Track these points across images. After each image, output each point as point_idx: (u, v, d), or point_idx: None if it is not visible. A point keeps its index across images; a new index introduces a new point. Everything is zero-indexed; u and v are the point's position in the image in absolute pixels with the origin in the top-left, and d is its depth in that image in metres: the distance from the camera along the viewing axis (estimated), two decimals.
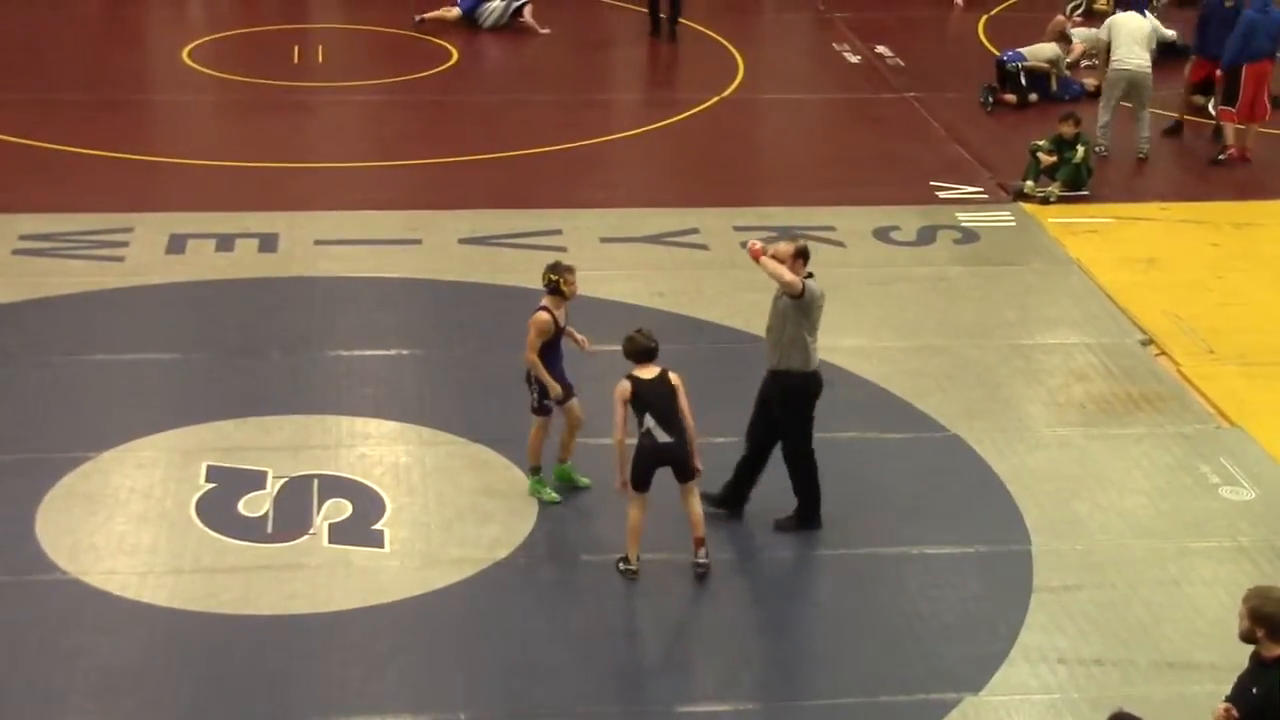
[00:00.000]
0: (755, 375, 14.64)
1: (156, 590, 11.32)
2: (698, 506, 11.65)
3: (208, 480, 12.61)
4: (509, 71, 24.09)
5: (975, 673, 10.75)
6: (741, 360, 14.90)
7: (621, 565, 11.61)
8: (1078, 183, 18.97)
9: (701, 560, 11.64)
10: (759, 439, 12.32)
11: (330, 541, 11.95)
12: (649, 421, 11.39)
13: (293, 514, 12.22)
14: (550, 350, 12.26)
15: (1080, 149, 18.91)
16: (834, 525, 12.37)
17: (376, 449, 13.19)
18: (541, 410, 12.36)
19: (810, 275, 12.02)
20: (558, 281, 12.18)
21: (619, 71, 24.81)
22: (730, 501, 12.38)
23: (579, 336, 12.50)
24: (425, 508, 12.39)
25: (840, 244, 17.53)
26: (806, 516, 12.31)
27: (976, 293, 16.50)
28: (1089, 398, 14.47)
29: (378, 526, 12.15)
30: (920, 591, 11.64)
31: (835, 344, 15.17)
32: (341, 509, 12.33)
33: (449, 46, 24.31)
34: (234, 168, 19.26)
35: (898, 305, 16.16)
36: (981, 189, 19.31)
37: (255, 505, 12.33)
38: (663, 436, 11.40)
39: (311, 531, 12.04)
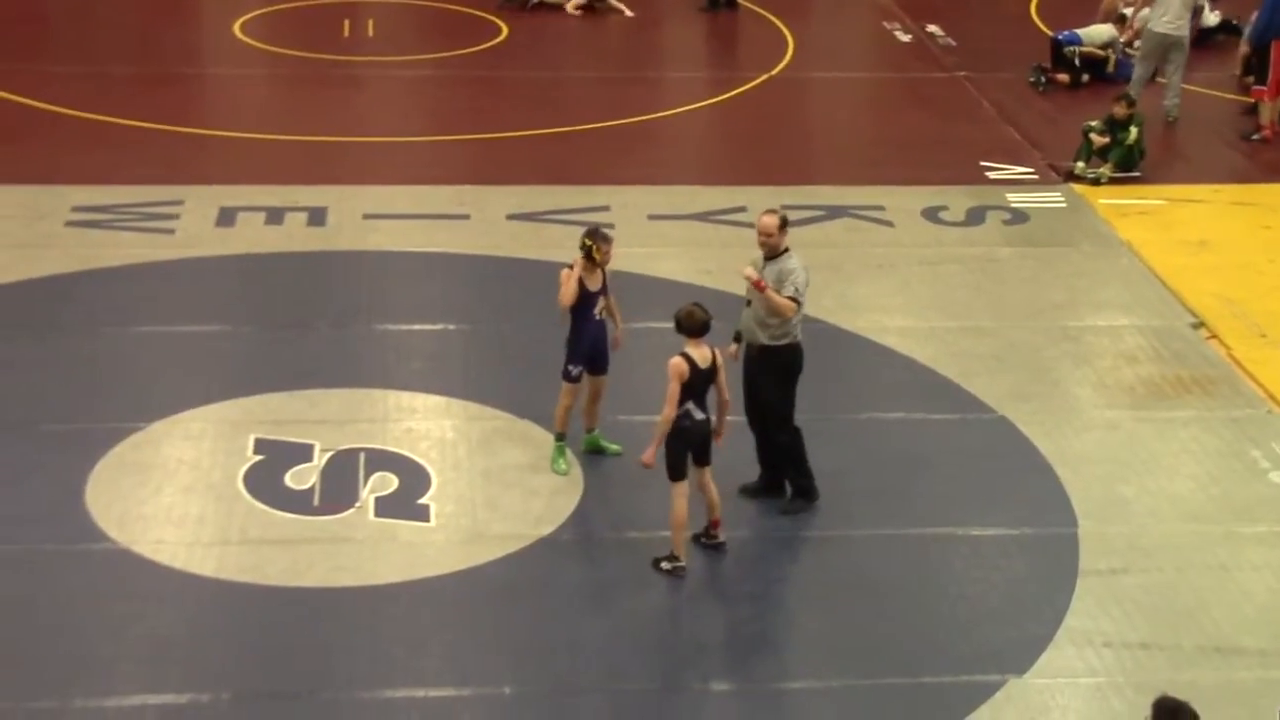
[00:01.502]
0: (804, 354, 14.66)
1: (204, 561, 11.40)
2: (714, 489, 11.58)
3: (255, 452, 12.67)
4: (558, 47, 24.06)
5: (1020, 655, 10.72)
6: None
7: (666, 564, 11.40)
8: (1130, 164, 18.84)
9: (720, 540, 11.61)
10: (760, 420, 12.23)
11: (376, 515, 11.99)
12: (689, 404, 11.31)
13: (339, 487, 12.27)
14: (581, 317, 12.24)
15: (1133, 130, 18.77)
16: (880, 505, 12.36)
17: (423, 423, 13.23)
18: (567, 377, 12.37)
19: (788, 250, 11.97)
20: (591, 247, 12.16)
21: (668, 48, 24.76)
22: (772, 488, 12.34)
23: (618, 326, 12.46)
24: (471, 483, 12.42)
25: (889, 224, 17.47)
26: (802, 492, 12.20)
27: (1026, 274, 16.42)
28: (1138, 380, 14.39)
29: (423, 501, 12.20)
30: (965, 573, 11.61)
31: (883, 324, 15.17)
32: (388, 483, 12.38)
33: (499, 22, 24.30)
34: (284, 141, 19.32)
35: (946, 286, 16.10)
36: (1032, 170, 19.21)
37: (302, 478, 12.39)
38: (698, 415, 11.34)
39: (358, 505, 12.09)
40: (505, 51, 23.27)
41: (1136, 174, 18.86)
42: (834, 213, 17.67)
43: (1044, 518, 12.27)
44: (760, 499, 12.27)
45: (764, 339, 11.98)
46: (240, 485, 12.25)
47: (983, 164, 19.27)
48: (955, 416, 13.70)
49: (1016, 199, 18.28)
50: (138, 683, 10.19)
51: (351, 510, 12.02)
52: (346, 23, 24.04)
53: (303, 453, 12.67)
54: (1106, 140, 18.81)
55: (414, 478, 12.45)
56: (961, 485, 12.66)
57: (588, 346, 12.32)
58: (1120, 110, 18.86)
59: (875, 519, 12.20)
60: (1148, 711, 8.14)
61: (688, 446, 11.33)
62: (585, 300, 12.21)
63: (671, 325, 11.44)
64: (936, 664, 10.66)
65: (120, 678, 10.24)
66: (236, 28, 23.60)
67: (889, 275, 16.27)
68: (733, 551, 11.75)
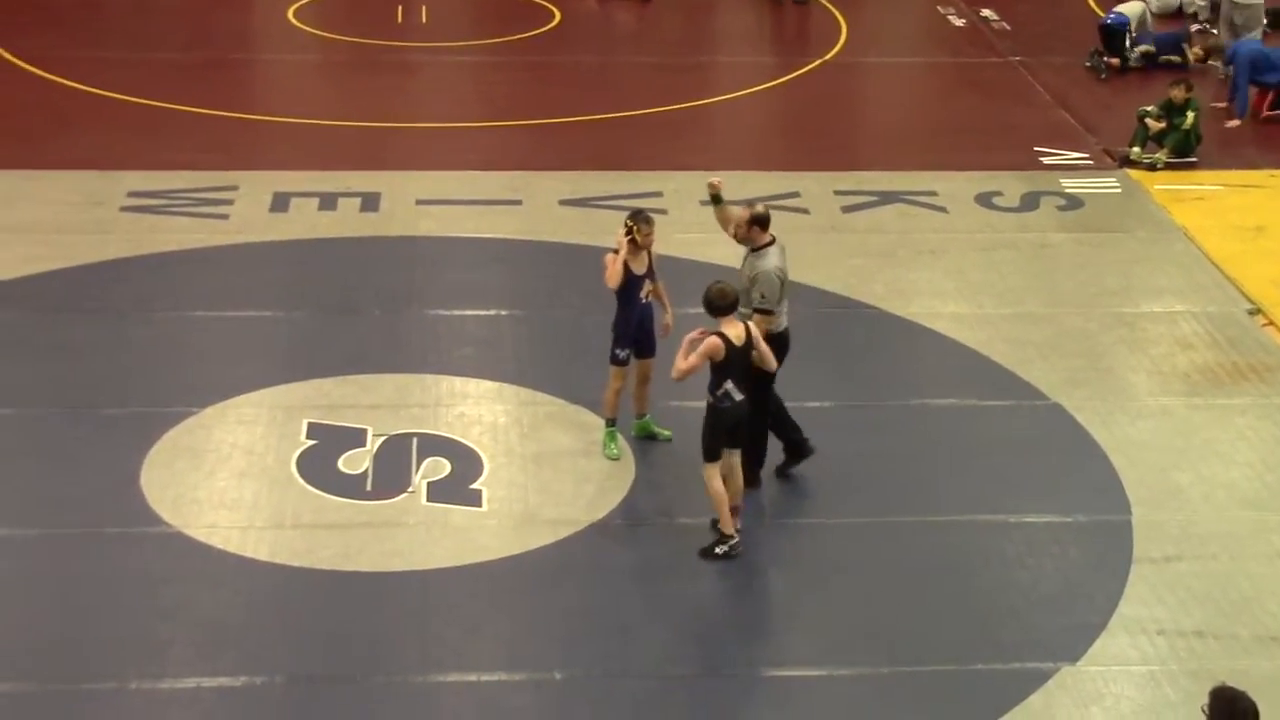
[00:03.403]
0: (854, 339, 14.66)
1: (258, 545, 11.46)
2: (741, 475, 11.55)
3: (308, 437, 12.74)
4: (611, 33, 24.05)
5: (1073, 642, 10.67)
6: (840, 324, 14.89)
7: (720, 548, 11.36)
8: (1186, 149, 18.70)
9: (738, 527, 11.56)
10: (754, 401, 12.15)
11: (428, 500, 12.03)
12: (728, 384, 11.29)
13: (392, 472, 12.32)
14: (626, 300, 12.27)
15: (1190, 115, 18.63)
16: (931, 492, 12.32)
17: (475, 408, 13.26)
18: (614, 360, 12.39)
19: (773, 240, 11.96)
20: (632, 229, 12.18)
21: (721, 34, 24.69)
22: (799, 453, 12.27)
23: (668, 311, 12.46)
24: (523, 468, 12.44)
25: (942, 209, 17.40)
26: (750, 460, 12.09)
27: (1080, 260, 16.32)
28: (1193, 367, 14.29)
29: (475, 486, 12.23)
30: (1018, 560, 11.56)
31: (936, 310, 15.12)
32: (440, 468, 12.41)
33: (551, 8, 24.30)
34: (337, 127, 19.39)
35: (999, 272, 16.01)
36: (1087, 155, 19.09)
37: (355, 463, 12.44)
38: (738, 395, 11.29)
39: (410, 490, 12.13)
40: (558, 37, 23.27)
41: (1193, 159, 18.71)
42: (886, 198, 17.61)
43: (1097, 505, 12.20)
44: (795, 471, 12.22)
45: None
46: (293, 470, 12.31)
47: (1037, 149, 19.16)
48: (1008, 403, 13.64)
49: (1071, 184, 18.17)
50: (192, 665, 10.26)
51: (404, 495, 12.06)
52: (400, 9, 24.08)
53: (355, 437, 12.73)
54: (1162, 125, 18.68)
55: (466, 463, 12.48)
56: (1014, 472, 12.60)
57: (634, 329, 12.34)
58: (1178, 94, 18.72)
59: (926, 506, 12.16)
60: (1204, 700, 8.08)
61: (726, 427, 11.33)
62: (631, 283, 12.24)
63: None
64: (988, 651, 10.62)
65: (174, 660, 10.31)
66: (290, 13, 23.68)
67: (941, 261, 16.20)
68: (782, 537, 11.74)
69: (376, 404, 13.23)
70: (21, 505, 11.81)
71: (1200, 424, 13.37)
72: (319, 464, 12.37)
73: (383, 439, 12.72)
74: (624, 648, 10.59)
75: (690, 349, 11.17)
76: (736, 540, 11.41)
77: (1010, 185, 18.03)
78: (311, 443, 12.66)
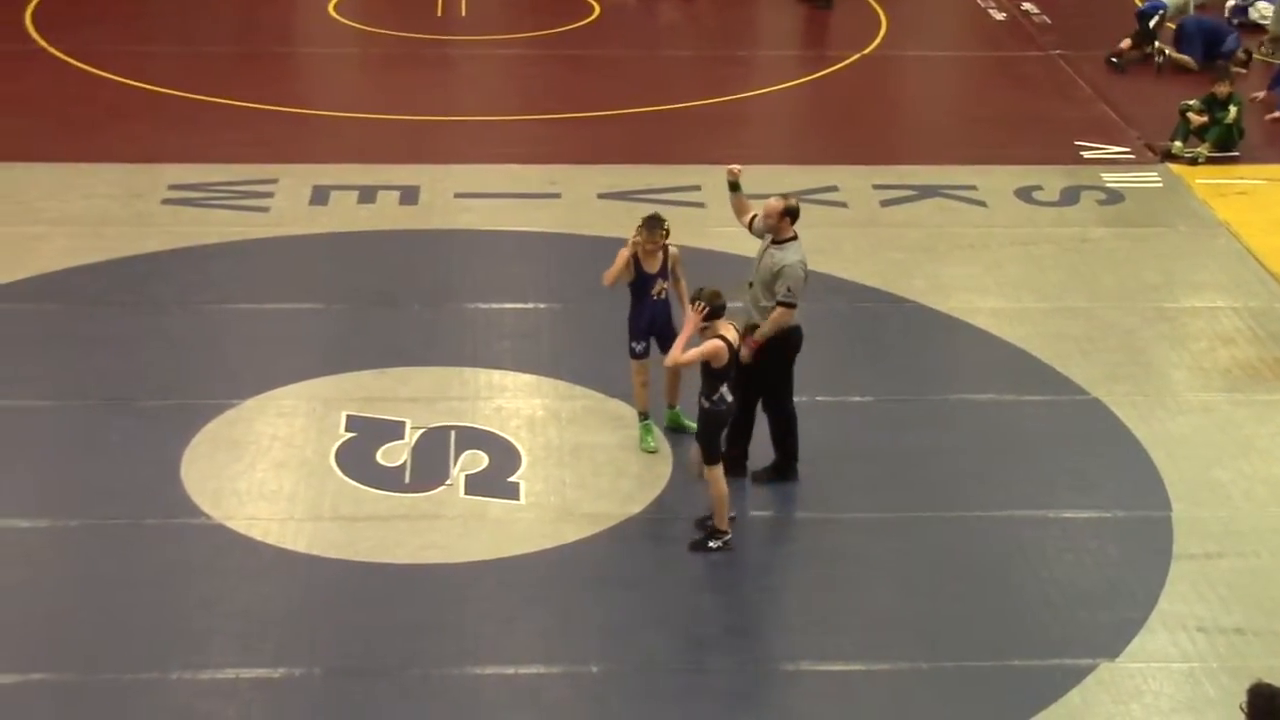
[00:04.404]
0: (894, 334, 14.63)
1: (296, 537, 11.51)
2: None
3: (347, 429, 12.78)
4: (650, 26, 24.03)
5: (1112, 639, 10.64)
6: (880, 320, 14.86)
7: (714, 543, 11.40)
8: (1228, 144, 18.59)
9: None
10: (744, 397, 12.10)
11: (466, 493, 12.06)
12: (723, 389, 11.29)
13: (430, 464, 12.35)
14: (637, 297, 12.45)
15: (1232, 109, 18.52)
16: (970, 487, 12.29)
17: (513, 401, 13.28)
18: (631, 354, 12.52)
19: (795, 236, 11.93)
20: (640, 233, 12.37)
21: (761, 28, 24.65)
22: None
23: (685, 310, 12.46)
24: (560, 461, 12.46)
25: (982, 203, 17.34)
26: (783, 468, 12.19)
27: (1120, 255, 16.25)
28: (1235, 363, 14.21)
29: (513, 479, 12.25)
30: (1058, 555, 11.52)
31: (975, 305, 15.07)
32: (478, 460, 12.44)
33: (591, 1, 24.30)
34: (377, 120, 19.43)
35: (1039, 267, 15.96)
36: (1128, 149, 18.99)
37: (393, 455, 12.48)
38: (730, 397, 11.32)
39: (448, 482, 12.16)
40: (597, 30, 23.26)
41: (1235, 154, 18.61)
42: (926, 193, 17.56)
43: (1137, 501, 12.15)
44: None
45: (761, 321, 11.93)
46: (332, 462, 12.36)
47: (1078, 143, 19.07)
48: (1047, 398, 13.59)
49: (1112, 179, 18.09)
50: (231, 656, 10.32)
51: (442, 488, 12.09)
52: (440, 2, 24.12)
53: (394, 430, 12.76)
54: (1204, 119, 18.57)
55: (504, 456, 12.51)
56: (1053, 467, 12.56)
57: (646, 324, 12.47)
58: (1221, 89, 18.61)
59: (966, 501, 12.13)
60: (1243, 698, 8.05)
61: (721, 429, 11.37)
62: (642, 281, 12.42)
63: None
64: (1027, 647, 10.59)
65: (214, 651, 10.36)
66: (330, 7, 23.74)
67: (981, 256, 16.15)
68: (821, 532, 11.73)
69: (415, 397, 13.27)
70: (63, 497, 11.89)
71: (1241, 420, 13.30)
72: (358, 456, 12.42)
73: (421, 432, 12.75)
74: (661, 641, 10.59)
75: (692, 332, 11.18)
76: (730, 539, 11.43)
77: (1051, 180, 17.96)
78: (350, 435, 12.70)
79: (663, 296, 12.46)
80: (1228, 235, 16.69)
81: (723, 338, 11.23)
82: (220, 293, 15.01)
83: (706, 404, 11.29)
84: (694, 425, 12.62)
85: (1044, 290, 15.45)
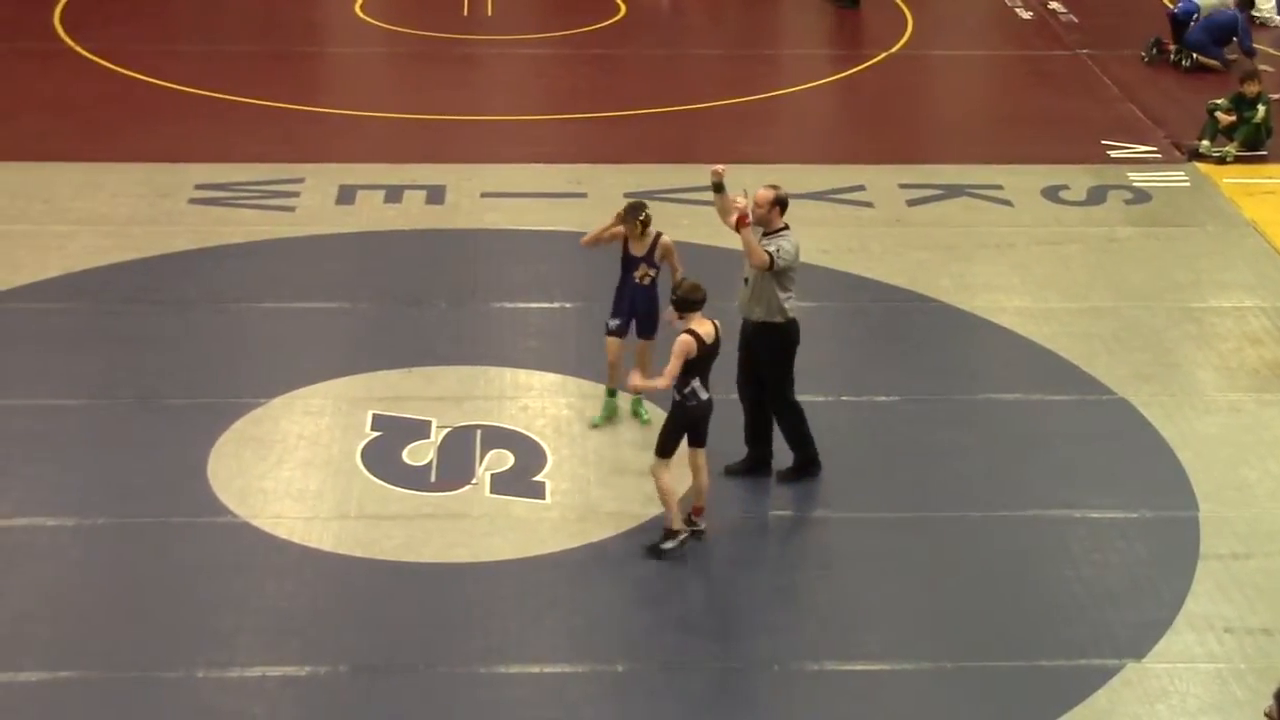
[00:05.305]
0: (919, 333, 14.60)
1: (322, 535, 11.54)
2: (705, 474, 11.45)
3: (373, 428, 12.80)
4: (676, 25, 24.04)
5: (1138, 639, 10.60)
6: (906, 319, 14.83)
7: (668, 544, 11.26)
8: (1256, 143, 18.52)
9: (700, 527, 11.46)
10: (752, 395, 12.11)
11: (491, 492, 12.08)
12: (695, 383, 11.22)
13: (455, 464, 12.37)
14: (622, 273, 12.69)
15: (1261, 108, 18.46)
16: (996, 486, 12.26)
17: (539, 401, 13.30)
18: (606, 329, 12.74)
19: (786, 227, 11.88)
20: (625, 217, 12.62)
21: (787, 27, 24.64)
22: (757, 467, 12.17)
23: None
24: (585, 461, 12.47)
25: (1008, 203, 17.31)
26: (805, 466, 12.15)
27: (1147, 254, 16.20)
28: (1262, 363, 14.15)
29: (538, 478, 12.26)
30: (1084, 555, 11.49)
31: (1001, 304, 15.04)
32: (503, 460, 12.46)
33: (617, 0, 24.32)
34: (403, 120, 19.47)
35: (1066, 266, 15.92)
36: (1155, 148, 18.94)
37: (419, 454, 12.50)
38: (703, 394, 11.26)
39: (474, 482, 12.18)
40: (624, 29, 23.28)
41: (1263, 153, 18.54)
42: (952, 192, 17.53)
43: (1164, 500, 12.11)
44: (746, 478, 12.14)
45: (758, 315, 11.91)
46: (358, 461, 12.38)
47: (1104, 142, 19.02)
48: (1074, 398, 13.55)
49: (1139, 178, 18.03)
50: (258, 654, 10.34)
51: (467, 487, 12.11)
52: (466, 1, 24.16)
53: (420, 429, 12.79)
54: (1232, 118, 18.51)
55: (529, 455, 12.52)
56: (1080, 467, 12.53)
57: (626, 304, 12.64)
58: (1249, 88, 18.54)
59: (991, 500, 12.11)
60: (1270, 701, 8.03)
61: (688, 426, 11.29)
62: (626, 261, 12.69)
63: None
64: (1052, 647, 10.56)
65: (241, 649, 10.39)
66: (357, 6, 23.79)
67: (1007, 255, 16.12)
68: (846, 531, 11.72)
69: (441, 396, 13.29)
70: (89, 494, 11.93)
71: (1268, 420, 13.25)
72: (384, 455, 12.44)
73: (447, 431, 12.77)
74: (685, 640, 10.59)
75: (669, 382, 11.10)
76: (686, 536, 11.32)
77: (1077, 179, 17.92)
78: (376, 434, 12.73)
79: (646, 282, 12.58)
80: (1255, 235, 16.63)
81: (693, 332, 11.15)
82: (247, 292, 15.06)
83: (677, 396, 11.22)
84: (646, 416, 12.68)
85: (1070, 290, 15.41)
